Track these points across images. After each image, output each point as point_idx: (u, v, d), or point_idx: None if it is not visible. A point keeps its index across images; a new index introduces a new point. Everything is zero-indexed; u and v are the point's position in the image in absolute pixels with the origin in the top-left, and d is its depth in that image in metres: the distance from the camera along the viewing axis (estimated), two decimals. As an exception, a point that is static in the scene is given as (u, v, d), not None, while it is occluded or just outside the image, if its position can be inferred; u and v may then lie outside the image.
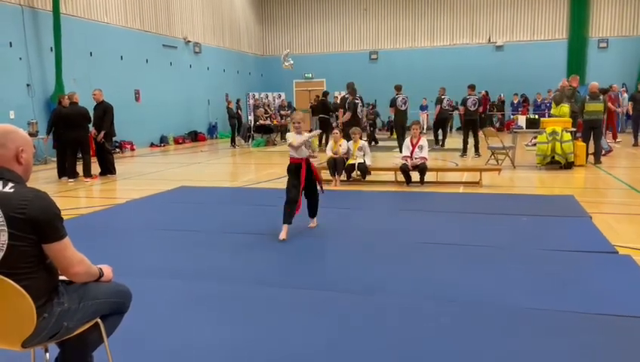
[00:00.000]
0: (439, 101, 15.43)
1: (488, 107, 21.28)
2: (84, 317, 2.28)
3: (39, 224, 2.07)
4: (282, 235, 5.39)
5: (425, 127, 20.66)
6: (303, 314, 3.55)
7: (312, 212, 5.88)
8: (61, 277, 2.28)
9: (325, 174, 9.48)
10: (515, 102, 22.62)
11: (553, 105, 12.20)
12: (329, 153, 9.35)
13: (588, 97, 11.04)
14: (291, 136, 5.64)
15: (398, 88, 14.08)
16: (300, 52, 25.47)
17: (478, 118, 13.51)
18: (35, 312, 2.05)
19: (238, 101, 18.58)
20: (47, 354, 2.22)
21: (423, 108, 22.44)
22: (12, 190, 2.09)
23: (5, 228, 2.03)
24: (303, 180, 5.55)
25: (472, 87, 13.51)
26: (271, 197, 7.13)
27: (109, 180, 10.45)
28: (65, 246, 2.15)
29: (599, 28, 22.47)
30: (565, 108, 11.51)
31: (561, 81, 13.50)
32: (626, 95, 17.89)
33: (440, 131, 15.84)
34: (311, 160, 5.72)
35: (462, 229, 5.79)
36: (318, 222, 5.93)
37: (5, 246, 2.04)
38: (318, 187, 5.86)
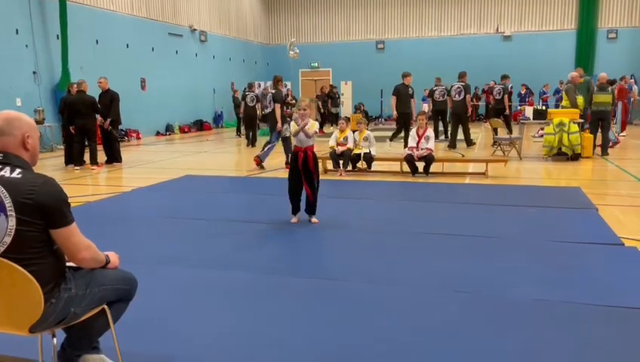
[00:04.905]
0: (431, 93, 15.04)
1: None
2: (91, 303, 2.29)
3: (47, 209, 2.08)
4: (293, 220, 5.64)
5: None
6: (308, 303, 3.56)
7: (310, 208, 5.67)
8: (69, 264, 2.29)
9: (328, 165, 9.48)
10: (523, 92, 22.46)
11: (564, 96, 12.12)
12: (332, 143, 9.32)
13: (596, 88, 10.95)
14: (293, 126, 5.61)
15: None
16: (306, 41, 25.36)
17: (503, 107, 14.04)
18: (43, 298, 2.06)
19: (245, 90, 18.55)
20: (55, 340, 2.23)
21: (425, 99, 22.32)
22: (20, 176, 2.10)
23: (13, 214, 2.05)
24: (301, 170, 5.50)
25: (505, 77, 14.26)
26: (276, 187, 7.14)
27: (115, 168, 10.49)
28: (72, 232, 2.16)
29: (608, 18, 22.23)
30: (579, 99, 11.46)
31: (569, 75, 13.41)
32: (635, 86, 17.72)
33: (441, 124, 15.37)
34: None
35: (468, 220, 5.77)
36: (317, 218, 5.68)
37: (13, 231, 2.05)
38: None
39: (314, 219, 5.66)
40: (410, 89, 12.34)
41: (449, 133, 13.61)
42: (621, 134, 14.87)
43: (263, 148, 10.13)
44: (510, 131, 13.65)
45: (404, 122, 12.42)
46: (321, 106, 18.57)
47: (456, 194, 7.27)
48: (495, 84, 21.60)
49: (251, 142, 14.29)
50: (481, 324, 3.17)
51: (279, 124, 9.83)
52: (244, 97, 14.42)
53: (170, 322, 3.26)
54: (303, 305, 3.52)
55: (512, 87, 22.50)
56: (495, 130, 12.12)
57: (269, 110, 10.89)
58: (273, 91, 10.58)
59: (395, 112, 12.27)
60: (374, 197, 7.17)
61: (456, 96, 12.76)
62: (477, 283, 3.83)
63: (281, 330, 3.13)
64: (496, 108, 14.16)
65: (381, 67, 24.09)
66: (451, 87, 13.08)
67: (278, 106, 10.03)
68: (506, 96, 14.22)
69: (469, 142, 12.87)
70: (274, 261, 4.51)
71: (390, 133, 13.78)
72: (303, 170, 5.52)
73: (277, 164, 10.13)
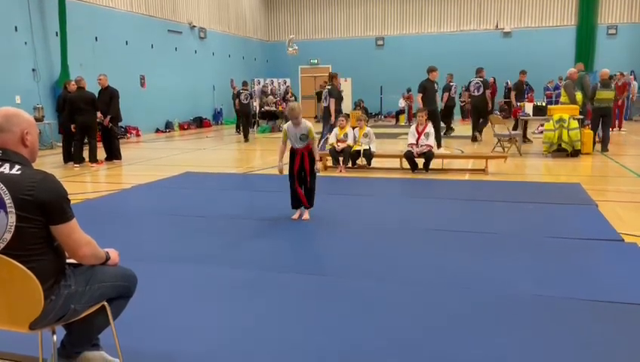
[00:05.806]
0: (447, 88, 15.28)
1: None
2: (91, 300, 2.29)
3: (47, 206, 2.07)
4: (294, 216, 5.66)
5: None
6: (309, 300, 3.56)
7: (307, 202, 5.69)
8: (69, 261, 2.29)
9: (328, 162, 9.47)
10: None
11: (563, 92, 12.11)
12: (332, 140, 9.32)
13: (599, 84, 10.91)
14: (287, 127, 5.65)
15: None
16: (305, 38, 25.30)
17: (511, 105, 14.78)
18: (43, 294, 2.06)
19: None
20: (55, 336, 2.24)
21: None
22: (19, 172, 2.10)
23: (13, 210, 2.04)
24: (296, 168, 5.59)
25: (522, 73, 14.59)
26: (276, 184, 7.14)
27: (114, 165, 10.48)
28: (72, 229, 2.16)
29: (608, 14, 22.17)
30: (578, 95, 11.45)
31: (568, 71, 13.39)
32: (635, 82, 17.70)
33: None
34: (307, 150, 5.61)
35: (468, 216, 5.77)
36: (317, 215, 5.70)
37: (13, 227, 2.05)
38: (317, 166, 5.67)
39: (305, 216, 5.67)
40: (435, 84, 12.11)
41: (471, 128, 13.59)
42: (620, 130, 14.88)
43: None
44: (515, 128, 13.63)
45: (433, 119, 12.33)
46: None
47: (456, 191, 7.26)
48: (495, 80, 21.62)
49: (245, 137, 15.17)
50: (482, 320, 3.17)
51: (332, 118, 10.60)
52: (238, 94, 15.46)
53: (170, 319, 3.25)
54: (304, 302, 3.52)
55: (510, 83, 22.54)
56: (515, 126, 12.35)
57: (325, 105, 11.41)
58: (329, 87, 11.23)
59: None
60: (374, 194, 7.17)
61: (475, 91, 13.19)
62: (477, 280, 3.83)
63: (281, 327, 3.13)
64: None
65: (381, 64, 24.04)
66: (469, 82, 13.47)
67: (333, 101, 10.92)
68: (512, 93, 14.33)
69: (475, 138, 12.84)
70: (274, 258, 4.50)
71: (390, 130, 13.76)
72: (300, 170, 5.60)
73: (274, 161, 10.11)
